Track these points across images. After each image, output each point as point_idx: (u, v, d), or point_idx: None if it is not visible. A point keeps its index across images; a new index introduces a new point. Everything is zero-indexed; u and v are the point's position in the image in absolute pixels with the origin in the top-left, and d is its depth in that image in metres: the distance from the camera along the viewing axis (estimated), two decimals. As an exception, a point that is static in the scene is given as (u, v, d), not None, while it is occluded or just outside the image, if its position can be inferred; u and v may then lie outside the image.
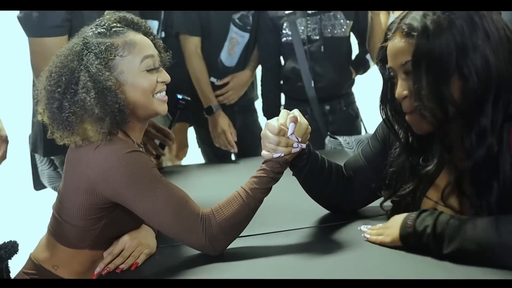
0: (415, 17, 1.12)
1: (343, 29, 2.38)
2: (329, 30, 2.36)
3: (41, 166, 2.06)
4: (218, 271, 1.17)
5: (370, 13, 2.30)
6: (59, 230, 1.30)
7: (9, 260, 1.35)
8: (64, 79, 1.21)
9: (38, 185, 2.17)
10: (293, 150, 1.24)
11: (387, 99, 1.24)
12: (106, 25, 1.28)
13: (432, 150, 1.22)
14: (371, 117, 2.60)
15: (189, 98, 1.78)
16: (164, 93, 1.31)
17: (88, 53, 1.22)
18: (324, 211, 1.45)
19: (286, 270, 1.15)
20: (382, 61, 1.23)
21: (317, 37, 2.35)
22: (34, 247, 1.37)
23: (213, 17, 2.37)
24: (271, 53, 2.46)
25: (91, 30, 1.28)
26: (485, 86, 1.08)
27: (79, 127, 1.21)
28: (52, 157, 2.01)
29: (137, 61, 1.26)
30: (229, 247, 1.24)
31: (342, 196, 1.40)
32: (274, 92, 2.51)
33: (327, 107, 2.43)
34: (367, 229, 1.25)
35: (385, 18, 2.37)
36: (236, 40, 2.42)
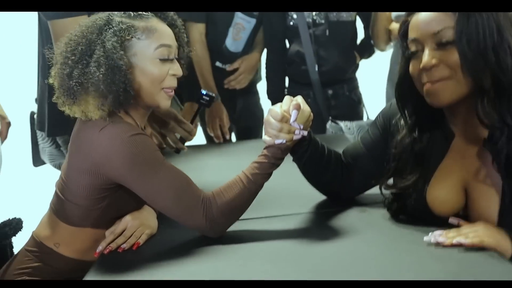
0: None
1: (349, 13, 2.37)
2: (334, 14, 2.34)
3: (43, 143, 2.06)
4: (217, 252, 1.20)
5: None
6: (61, 209, 1.32)
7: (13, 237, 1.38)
8: (80, 48, 1.22)
9: (37, 161, 2.17)
10: (295, 137, 1.25)
11: (407, 76, 1.22)
12: None
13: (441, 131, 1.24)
14: (373, 103, 2.62)
15: (213, 94, 1.77)
16: (172, 89, 1.30)
17: (108, 29, 1.23)
18: (322, 197, 1.47)
19: (283, 254, 1.17)
20: (403, 37, 1.22)
21: (323, 21, 2.35)
22: (36, 225, 1.38)
23: None
24: (276, 36, 2.45)
25: None
26: None
27: (82, 98, 1.22)
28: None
29: (152, 47, 1.26)
30: (229, 229, 1.26)
31: (341, 182, 1.41)
32: (279, 75, 2.50)
33: (330, 92, 2.43)
34: (440, 237, 1.13)
35: (390, 4, 2.36)
36: (241, 26, 2.40)
